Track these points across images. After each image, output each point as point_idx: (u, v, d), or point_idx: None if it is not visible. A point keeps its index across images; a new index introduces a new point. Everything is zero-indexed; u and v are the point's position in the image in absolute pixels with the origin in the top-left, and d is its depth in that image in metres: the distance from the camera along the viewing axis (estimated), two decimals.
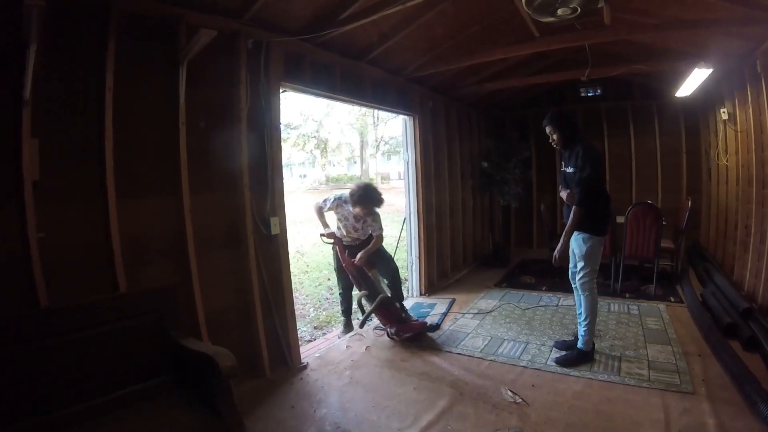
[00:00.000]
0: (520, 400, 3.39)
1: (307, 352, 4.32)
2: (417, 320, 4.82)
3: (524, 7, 3.67)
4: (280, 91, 3.88)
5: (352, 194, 4.66)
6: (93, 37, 2.71)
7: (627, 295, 5.97)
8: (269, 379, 3.69)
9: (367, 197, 4.63)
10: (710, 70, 5.17)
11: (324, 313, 6.05)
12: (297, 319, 5.50)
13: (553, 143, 4.06)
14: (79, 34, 2.67)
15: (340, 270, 5.02)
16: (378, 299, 4.52)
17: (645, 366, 3.94)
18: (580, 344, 4.03)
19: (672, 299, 5.79)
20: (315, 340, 4.97)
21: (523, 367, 3.98)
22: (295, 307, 6.01)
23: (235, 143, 3.52)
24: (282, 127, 3.96)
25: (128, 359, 2.56)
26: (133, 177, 2.95)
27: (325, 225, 4.97)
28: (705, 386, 3.55)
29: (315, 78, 4.26)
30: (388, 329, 4.59)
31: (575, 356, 4.02)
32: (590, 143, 4.00)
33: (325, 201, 4.91)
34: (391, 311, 4.62)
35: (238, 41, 3.46)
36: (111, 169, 2.77)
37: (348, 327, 5.02)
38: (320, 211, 4.92)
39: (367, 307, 4.61)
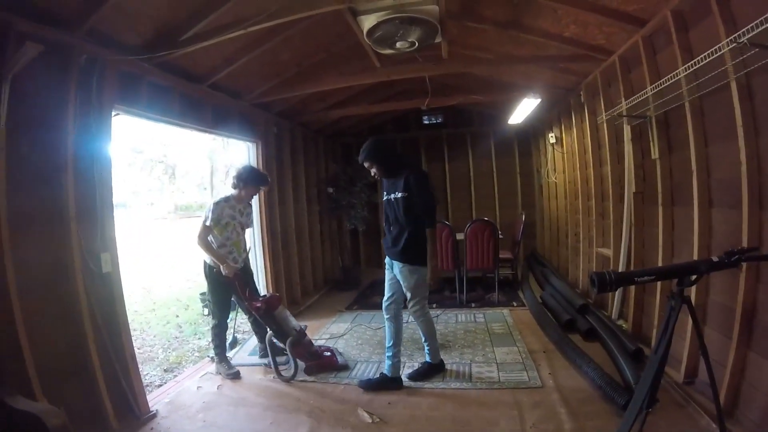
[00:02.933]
0: (378, 419, 3.39)
1: (156, 398, 3.95)
2: (328, 355, 4.51)
3: (365, 39, 3.80)
4: (113, 114, 3.56)
5: (240, 177, 4.37)
6: None
7: (473, 304, 6.34)
8: None
9: (257, 174, 4.50)
10: (539, 100, 5.83)
11: (174, 353, 5.63)
12: (145, 363, 5.17)
13: (375, 176, 4.03)
14: None
15: (220, 298, 4.46)
16: (288, 342, 4.25)
17: (494, 369, 4.16)
18: (427, 359, 4.13)
19: (515, 304, 6.28)
20: (166, 383, 4.56)
21: None
22: (143, 349, 5.65)
23: (62, 171, 3.14)
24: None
25: None
26: None
27: (221, 259, 4.29)
28: (553, 379, 3.86)
29: (152, 101, 3.97)
30: (305, 363, 4.36)
31: (426, 369, 4.08)
32: (417, 167, 4.07)
33: (208, 218, 4.24)
34: (304, 346, 4.39)
35: (71, 56, 3.14)
36: None
37: (225, 364, 4.46)
38: (207, 243, 4.28)
39: (276, 348, 4.40)
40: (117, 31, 3.34)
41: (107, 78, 3.39)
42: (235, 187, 4.44)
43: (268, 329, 4.40)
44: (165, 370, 5.01)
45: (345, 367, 4.39)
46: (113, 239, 3.49)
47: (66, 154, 3.13)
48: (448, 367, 4.22)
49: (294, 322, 4.46)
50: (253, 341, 5.03)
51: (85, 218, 3.29)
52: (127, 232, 17.24)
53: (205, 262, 4.46)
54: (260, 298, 4.40)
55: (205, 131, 5.13)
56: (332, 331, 5.51)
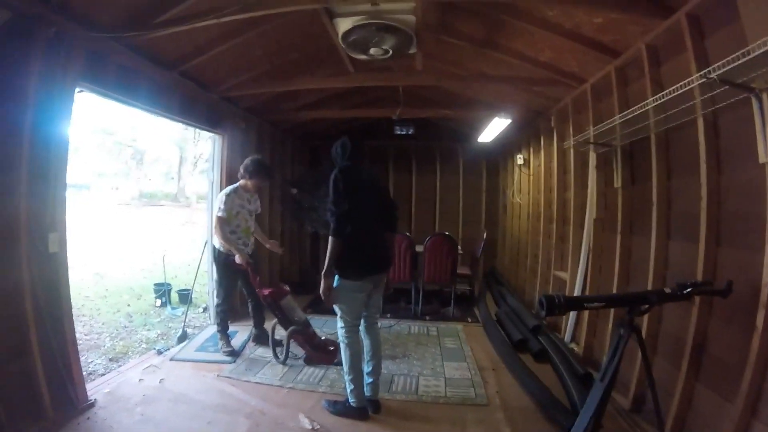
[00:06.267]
0: (318, 426, 3.32)
1: (96, 388, 3.79)
2: (332, 350, 4.55)
3: (340, 41, 3.77)
4: (77, 90, 3.41)
5: (246, 167, 4.67)
6: None
7: (427, 317, 6.32)
8: (52, 421, 3.13)
9: (260, 167, 4.71)
10: (509, 120, 5.89)
11: (121, 343, 5.43)
12: (91, 350, 5.05)
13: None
14: None
15: (227, 282, 4.87)
16: (289, 330, 4.49)
17: (442, 383, 4.13)
18: (349, 398, 3.50)
19: (469, 320, 6.27)
20: (109, 373, 4.38)
21: (322, 392, 3.88)
22: (90, 336, 5.50)
23: (17, 144, 2.97)
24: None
25: None
26: None
27: (237, 249, 4.58)
28: (499, 397, 3.85)
29: (119, 82, 3.85)
30: (305, 353, 4.56)
31: (343, 408, 3.52)
32: (343, 168, 3.69)
33: (221, 209, 4.54)
34: (305, 337, 4.57)
35: (39, 27, 2.98)
36: None
37: (224, 341, 4.78)
38: (226, 234, 4.59)
39: (280, 337, 4.63)
40: (90, 7, 3.19)
41: (74, 53, 3.25)
42: (241, 177, 4.75)
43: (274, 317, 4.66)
44: (110, 359, 4.84)
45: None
46: (63, 220, 3.34)
47: (23, 127, 2.98)
48: (395, 378, 4.18)
49: (300, 314, 4.74)
50: (202, 337, 5.17)
51: (37, 196, 3.13)
52: (87, 214, 16.76)
53: (215, 248, 4.82)
54: (269, 288, 4.64)
55: (172, 119, 5.02)
56: (282, 333, 5.38)
